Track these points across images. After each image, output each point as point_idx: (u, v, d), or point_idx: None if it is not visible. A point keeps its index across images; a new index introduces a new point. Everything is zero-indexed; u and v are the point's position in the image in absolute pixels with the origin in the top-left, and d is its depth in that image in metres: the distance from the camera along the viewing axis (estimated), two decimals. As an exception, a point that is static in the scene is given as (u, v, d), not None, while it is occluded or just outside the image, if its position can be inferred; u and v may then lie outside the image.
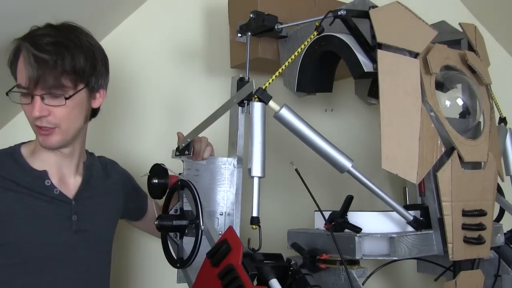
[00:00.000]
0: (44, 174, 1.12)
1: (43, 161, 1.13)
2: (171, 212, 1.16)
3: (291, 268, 1.02)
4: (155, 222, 1.09)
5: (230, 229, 0.95)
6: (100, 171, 1.26)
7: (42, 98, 1.04)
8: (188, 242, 1.08)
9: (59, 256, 1.11)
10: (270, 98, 1.00)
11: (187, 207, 1.13)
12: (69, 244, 1.12)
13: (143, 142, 1.60)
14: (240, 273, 0.88)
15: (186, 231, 1.11)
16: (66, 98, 1.06)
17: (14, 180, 1.09)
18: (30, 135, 1.23)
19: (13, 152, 1.13)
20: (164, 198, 1.19)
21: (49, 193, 1.11)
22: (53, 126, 1.07)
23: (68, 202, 1.14)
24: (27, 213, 1.08)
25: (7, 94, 1.06)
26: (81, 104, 1.11)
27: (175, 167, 1.24)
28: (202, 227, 1.04)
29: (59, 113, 1.06)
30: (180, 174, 1.22)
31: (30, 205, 1.08)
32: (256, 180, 0.98)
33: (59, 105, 1.05)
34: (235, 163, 1.16)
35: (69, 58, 1.05)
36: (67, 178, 1.17)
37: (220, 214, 1.16)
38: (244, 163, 1.15)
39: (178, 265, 1.10)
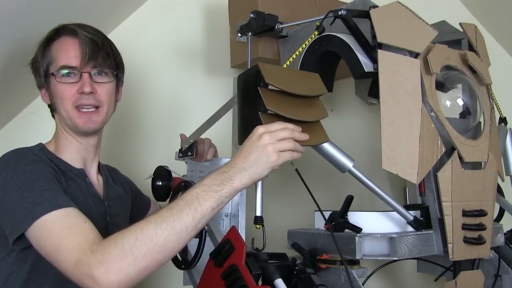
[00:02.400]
0: (82, 171, 1.13)
1: (72, 159, 1.13)
2: None
3: (296, 268, 1.02)
4: None
5: (233, 229, 0.95)
6: (108, 176, 1.26)
7: (90, 76, 1.10)
8: (192, 244, 1.07)
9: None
10: (270, 98, 1.00)
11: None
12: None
13: (145, 143, 1.60)
14: (243, 273, 0.88)
15: None
16: (115, 73, 1.14)
17: (62, 172, 1.07)
18: (30, 136, 1.23)
19: (43, 149, 1.12)
20: (168, 200, 1.19)
21: (92, 191, 1.12)
22: (98, 104, 1.11)
23: (103, 203, 1.15)
24: (78, 198, 1.07)
25: (52, 74, 1.09)
26: (114, 91, 1.16)
27: (179, 168, 1.24)
28: (206, 227, 1.04)
29: (104, 91, 1.12)
30: (184, 176, 1.22)
31: (79, 199, 1.07)
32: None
33: (107, 82, 1.13)
34: None
35: (110, 46, 1.15)
36: (93, 177, 1.17)
37: (226, 215, 1.16)
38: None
39: (183, 266, 1.10)
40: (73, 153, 1.14)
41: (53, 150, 1.13)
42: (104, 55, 1.12)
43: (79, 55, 1.09)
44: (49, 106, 1.17)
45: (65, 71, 1.09)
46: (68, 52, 1.09)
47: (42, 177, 0.98)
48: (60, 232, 0.90)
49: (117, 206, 1.19)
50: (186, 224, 0.87)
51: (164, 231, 0.86)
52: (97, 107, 1.11)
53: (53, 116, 1.18)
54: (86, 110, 1.10)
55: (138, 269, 0.84)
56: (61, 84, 1.09)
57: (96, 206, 1.12)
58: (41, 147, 1.12)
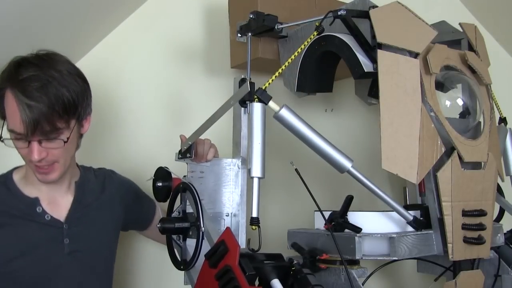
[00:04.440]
0: (35, 201, 1.15)
1: (34, 186, 1.16)
2: (174, 214, 1.16)
3: (293, 268, 1.02)
4: (158, 225, 1.09)
5: (228, 230, 0.95)
6: (94, 186, 1.26)
7: (40, 142, 1.06)
8: (192, 244, 1.08)
9: (51, 277, 1.13)
10: (270, 98, 1.00)
11: (190, 209, 1.13)
12: (61, 266, 1.15)
13: (146, 144, 1.60)
14: (237, 274, 0.88)
15: (190, 233, 1.11)
16: (65, 142, 1.08)
17: (8, 210, 1.12)
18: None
19: (6, 179, 1.17)
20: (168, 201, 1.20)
21: (41, 220, 1.14)
22: (51, 163, 1.10)
23: (59, 227, 1.16)
24: (21, 245, 1.11)
25: (9, 139, 1.06)
26: (74, 137, 1.13)
27: (181, 169, 1.24)
28: (203, 228, 1.04)
29: (57, 151, 1.09)
30: (184, 176, 1.22)
31: (23, 235, 1.12)
32: (256, 181, 0.98)
33: (58, 147, 1.08)
34: (240, 164, 1.16)
35: (60, 100, 1.05)
36: (58, 200, 1.19)
37: (226, 215, 1.16)
38: (247, 164, 1.15)
39: (181, 267, 1.10)
40: (34, 182, 1.15)
41: (19, 178, 1.17)
42: (52, 119, 1.04)
43: (23, 124, 1.03)
44: None
45: (13, 135, 1.06)
46: (14, 118, 1.04)
47: None
48: None
49: (86, 223, 1.20)
50: None
51: None
52: (52, 163, 1.10)
53: None
54: (41, 169, 1.10)
55: None
56: (15, 142, 1.07)
57: (46, 233, 1.14)
58: (5, 178, 1.16)
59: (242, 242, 1.11)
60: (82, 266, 1.18)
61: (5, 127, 1.08)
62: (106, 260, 1.27)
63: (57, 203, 1.19)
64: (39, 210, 1.15)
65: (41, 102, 1.03)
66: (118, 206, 1.30)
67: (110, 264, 1.28)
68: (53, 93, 1.04)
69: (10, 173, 1.18)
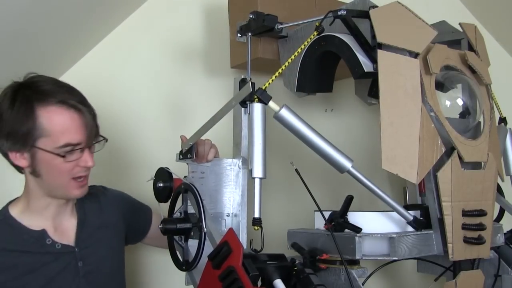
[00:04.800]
0: (43, 234, 1.12)
1: (38, 217, 1.13)
2: (176, 215, 1.16)
3: (295, 268, 1.02)
4: (159, 226, 1.09)
5: (231, 231, 0.95)
6: (92, 205, 1.25)
7: (89, 148, 1.10)
8: (194, 245, 1.08)
9: None
10: (270, 98, 1.00)
11: (192, 210, 1.13)
12: None
13: (146, 145, 1.60)
14: (240, 275, 0.88)
15: (192, 233, 1.11)
16: (106, 140, 1.14)
17: (17, 248, 1.09)
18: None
19: (4, 218, 1.12)
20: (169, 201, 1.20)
21: (53, 250, 1.12)
22: (88, 174, 1.12)
23: (72, 251, 1.15)
24: (40, 280, 1.09)
25: (62, 156, 1.04)
26: None
27: (182, 170, 1.24)
28: (205, 229, 1.04)
29: (93, 158, 1.12)
30: (185, 177, 1.22)
31: (41, 271, 1.09)
32: (257, 181, 0.98)
33: (98, 150, 1.13)
34: (240, 164, 1.16)
35: (88, 103, 1.11)
36: (64, 225, 1.17)
37: (227, 216, 1.16)
38: (248, 164, 1.15)
39: (183, 268, 1.10)
40: (40, 213, 1.13)
41: (18, 212, 1.12)
42: (96, 126, 1.11)
43: (83, 131, 1.06)
44: (15, 165, 1.09)
45: (68, 148, 1.05)
46: (72, 129, 1.05)
47: None
48: None
49: (94, 243, 1.19)
50: None
51: None
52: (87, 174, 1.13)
53: (19, 171, 1.12)
54: (80, 181, 1.11)
55: None
56: (59, 161, 1.05)
57: (59, 262, 1.12)
58: (3, 216, 1.11)
59: (243, 242, 1.11)
60: (96, 286, 1.17)
61: (46, 145, 1.03)
62: (117, 278, 1.26)
63: (63, 228, 1.17)
64: (49, 242, 1.12)
65: (85, 106, 1.08)
66: (119, 221, 1.29)
67: (121, 280, 1.28)
68: (82, 96, 1.10)
69: (5, 211, 1.13)
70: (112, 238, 1.25)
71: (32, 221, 1.12)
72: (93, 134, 1.09)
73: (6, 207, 1.14)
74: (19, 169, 1.11)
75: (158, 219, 1.35)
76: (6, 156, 1.09)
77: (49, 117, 1.03)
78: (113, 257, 1.24)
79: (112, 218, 1.27)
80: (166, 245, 1.15)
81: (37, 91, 1.05)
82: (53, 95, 1.05)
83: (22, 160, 1.07)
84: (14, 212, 1.13)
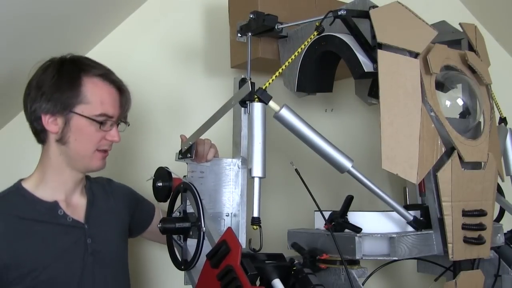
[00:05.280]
0: (55, 205, 1.15)
1: (51, 191, 1.16)
2: (175, 214, 1.16)
3: (294, 268, 1.02)
4: (158, 225, 1.09)
5: (229, 230, 0.95)
6: (100, 191, 1.28)
7: (117, 125, 1.19)
8: (192, 244, 1.08)
9: (79, 279, 1.13)
10: (270, 98, 1.00)
11: (191, 209, 1.13)
12: (87, 267, 1.15)
13: (146, 144, 1.60)
14: (239, 274, 0.88)
15: (191, 233, 1.11)
16: (128, 125, 1.24)
17: (29, 217, 1.11)
18: (30, 136, 1.22)
19: (17, 189, 1.15)
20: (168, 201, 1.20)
21: (64, 222, 1.14)
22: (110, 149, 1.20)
23: (81, 227, 1.17)
24: (52, 250, 1.11)
25: (100, 122, 1.13)
26: None
27: (181, 169, 1.24)
28: (204, 229, 1.04)
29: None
30: (184, 176, 1.22)
31: (52, 241, 1.11)
32: (256, 181, 0.98)
33: (122, 131, 1.21)
34: (240, 164, 1.16)
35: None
36: (74, 201, 1.20)
37: (226, 215, 1.16)
38: (247, 164, 1.15)
39: (182, 267, 1.10)
40: (56, 186, 1.16)
41: (32, 186, 1.15)
42: (128, 108, 1.22)
43: (119, 108, 1.17)
44: (39, 131, 1.14)
45: (103, 118, 1.13)
46: (111, 102, 1.15)
47: None
48: None
49: (102, 224, 1.21)
50: None
51: None
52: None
53: (40, 141, 1.17)
54: (104, 154, 1.18)
55: None
56: (92, 128, 1.13)
57: (70, 235, 1.14)
58: (16, 188, 1.14)
59: (242, 242, 1.11)
60: (103, 267, 1.18)
61: (84, 111, 1.11)
62: (122, 263, 1.28)
63: (74, 205, 1.19)
64: (61, 213, 1.14)
65: (123, 86, 1.19)
66: (124, 211, 1.31)
67: (126, 267, 1.29)
68: (124, 84, 1.20)
69: (18, 184, 1.16)
70: (118, 224, 1.28)
71: (45, 193, 1.15)
72: (124, 114, 1.20)
73: (18, 182, 1.17)
74: (42, 137, 1.15)
75: (160, 214, 1.36)
76: (37, 120, 1.13)
77: (92, 87, 1.13)
78: (118, 242, 1.27)
79: (117, 207, 1.29)
80: (165, 240, 1.16)
81: (83, 63, 1.15)
82: (98, 69, 1.16)
83: (53, 125, 1.12)
84: (27, 185, 1.15)
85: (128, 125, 1.24)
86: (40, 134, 1.15)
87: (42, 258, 1.09)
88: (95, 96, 1.12)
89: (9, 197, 1.13)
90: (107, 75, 1.16)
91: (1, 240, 1.07)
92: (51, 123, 1.12)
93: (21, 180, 1.17)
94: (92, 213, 1.21)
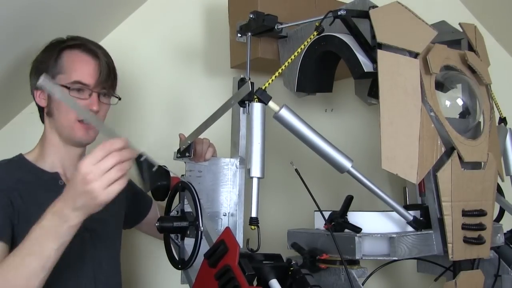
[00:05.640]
0: (56, 175, 1.18)
1: (51, 165, 1.19)
2: (173, 213, 1.16)
3: (291, 268, 1.02)
4: (156, 224, 1.09)
5: (227, 230, 0.95)
6: None
7: (99, 96, 1.18)
8: (190, 243, 1.08)
9: (80, 254, 1.15)
10: (269, 98, 1.00)
11: (189, 208, 1.13)
12: (84, 242, 1.16)
13: (145, 143, 1.60)
14: (237, 274, 0.88)
15: (188, 232, 1.11)
16: (119, 99, 1.24)
17: (31, 181, 1.13)
18: (30, 135, 1.23)
19: (19, 160, 1.18)
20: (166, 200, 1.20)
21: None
22: None
23: None
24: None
25: (67, 87, 1.14)
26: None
27: (180, 168, 1.24)
28: (201, 228, 1.04)
29: (104, 111, 1.22)
30: (182, 175, 1.22)
31: (47, 205, 1.09)
32: (255, 181, 0.98)
33: (108, 103, 1.22)
34: (238, 163, 1.16)
35: (112, 62, 1.23)
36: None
37: (224, 215, 1.16)
38: (246, 164, 1.15)
39: (179, 266, 1.10)
40: (53, 158, 1.20)
41: (33, 158, 1.20)
42: (112, 79, 1.22)
43: (94, 75, 1.17)
44: (40, 108, 1.22)
45: (78, 86, 1.15)
46: (84, 70, 1.16)
47: None
48: None
49: None
50: (31, 269, 0.91)
51: (13, 280, 0.91)
52: None
53: (41, 118, 1.24)
54: (85, 125, 1.17)
55: None
56: (76, 93, 1.15)
57: None
58: (17, 158, 1.18)
59: (239, 241, 1.11)
60: (99, 245, 1.20)
61: (61, 81, 1.14)
62: (116, 246, 1.30)
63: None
64: (61, 183, 1.17)
65: (106, 58, 1.20)
66: (120, 199, 1.30)
67: (119, 251, 1.31)
68: (108, 54, 1.22)
69: (19, 155, 1.19)
70: (114, 210, 1.27)
71: (45, 165, 1.19)
72: (104, 82, 1.18)
73: (19, 154, 1.20)
74: (41, 114, 1.22)
75: (156, 209, 1.36)
76: (34, 98, 1.20)
77: (68, 57, 1.17)
78: (113, 227, 1.28)
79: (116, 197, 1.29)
80: (160, 235, 1.16)
81: (68, 39, 1.20)
82: (77, 41, 1.20)
83: (42, 99, 1.19)
84: (29, 157, 1.20)
85: (119, 99, 1.25)
86: (39, 112, 1.22)
87: (31, 219, 1.08)
88: (70, 65, 1.16)
89: (13, 163, 1.17)
90: (84, 45, 1.19)
91: (13, 190, 1.09)
92: (41, 98, 1.19)
93: (22, 154, 1.20)
94: None
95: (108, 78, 1.19)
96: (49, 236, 0.92)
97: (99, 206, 0.92)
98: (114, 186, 0.90)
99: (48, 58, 1.17)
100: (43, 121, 1.23)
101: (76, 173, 0.90)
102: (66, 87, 1.14)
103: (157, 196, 1.22)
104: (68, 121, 1.16)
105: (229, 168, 1.18)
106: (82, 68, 1.16)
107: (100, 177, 0.89)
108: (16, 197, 1.09)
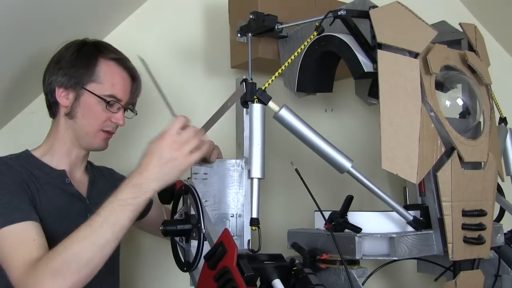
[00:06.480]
0: (63, 173, 1.19)
1: (57, 162, 1.20)
2: (177, 216, 1.16)
3: (294, 268, 1.02)
4: (160, 228, 1.09)
5: (226, 231, 0.95)
6: (101, 176, 1.32)
7: (125, 110, 1.24)
8: (195, 246, 1.08)
9: None
10: (269, 98, 1.00)
11: (193, 211, 1.13)
12: None
13: (145, 143, 1.59)
14: (234, 275, 0.88)
15: (194, 234, 1.11)
16: (136, 114, 1.29)
17: (38, 176, 1.14)
18: (30, 135, 1.23)
19: (27, 155, 1.19)
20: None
21: (70, 190, 1.18)
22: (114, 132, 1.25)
23: (83, 201, 1.21)
24: (57, 213, 1.13)
25: (108, 102, 1.18)
26: None
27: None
28: (204, 230, 1.04)
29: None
30: (188, 178, 1.22)
31: (58, 204, 1.14)
32: (255, 182, 0.98)
33: (127, 118, 1.26)
34: (243, 164, 1.17)
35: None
36: (78, 176, 1.24)
37: (232, 216, 1.17)
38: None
39: (185, 268, 1.10)
40: (61, 157, 1.21)
41: (40, 154, 1.20)
42: (136, 97, 1.27)
43: (129, 93, 1.23)
44: (54, 105, 1.20)
45: (113, 100, 1.18)
46: (122, 87, 1.21)
47: (3, 190, 1.05)
48: (9, 248, 0.99)
49: (99, 204, 1.21)
50: (107, 238, 0.95)
51: (88, 248, 0.94)
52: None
53: (52, 114, 1.23)
54: (108, 135, 1.22)
55: (69, 286, 0.92)
56: (99, 107, 1.18)
57: (73, 204, 1.18)
58: (24, 154, 1.18)
59: (247, 242, 1.11)
60: None
61: (95, 90, 1.17)
62: (116, 250, 1.28)
63: (77, 179, 1.24)
64: (68, 181, 1.19)
65: (139, 77, 1.25)
66: None
67: (117, 257, 1.31)
68: (137, 71, 1.26)
69: (26, 151, 1.20)
70: None
71: (52, 162, 1.19)
72: (132, 100, 1.25)
73: (25, 150, 1.20)
74: (54, 110, 1.21)
75: (157, 208, 1.36)
76: (51, 92, 1.19)
77: (106, 69, 1.19)
78: None
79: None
80: (160, 233, 1.16)
81: (102, 46, 1.22)
82: (115, 53, 1.22)
83: (64, 99, 1.18)
84: (37, 154, 1.20)
85: (136, 114, 1.28)
86: (52, 107, 1.21)
87: (46, 217, 1.10)
88: (107, 77, 1.18)
89: (21, 159, 1.16)
90: (122, 60, 1.22)
91: (28, 181, 1.10)
92: (63, 97, 1.18)
93: (28, 150, 1.21)
94: (93, 191, 1.24)
95: (137, 97, 1.26)
96: (128, 206, 0.97)
97: (182, 173, 1.01)
98: (195, 154, 1.02)
99: (82, 63, 1.18)
100: (52, 117, 1.23)
101: (155, 145, 1.02)
102: (103, 99, 1.17)
103: (163, 199, 1.22)
104: (92, 129, 1.19)
105: (235, 169, 1.19)
106: (120, 84, 1.20)
107: (183, 146, 1.01)
108: (32, 188, 1.11)
